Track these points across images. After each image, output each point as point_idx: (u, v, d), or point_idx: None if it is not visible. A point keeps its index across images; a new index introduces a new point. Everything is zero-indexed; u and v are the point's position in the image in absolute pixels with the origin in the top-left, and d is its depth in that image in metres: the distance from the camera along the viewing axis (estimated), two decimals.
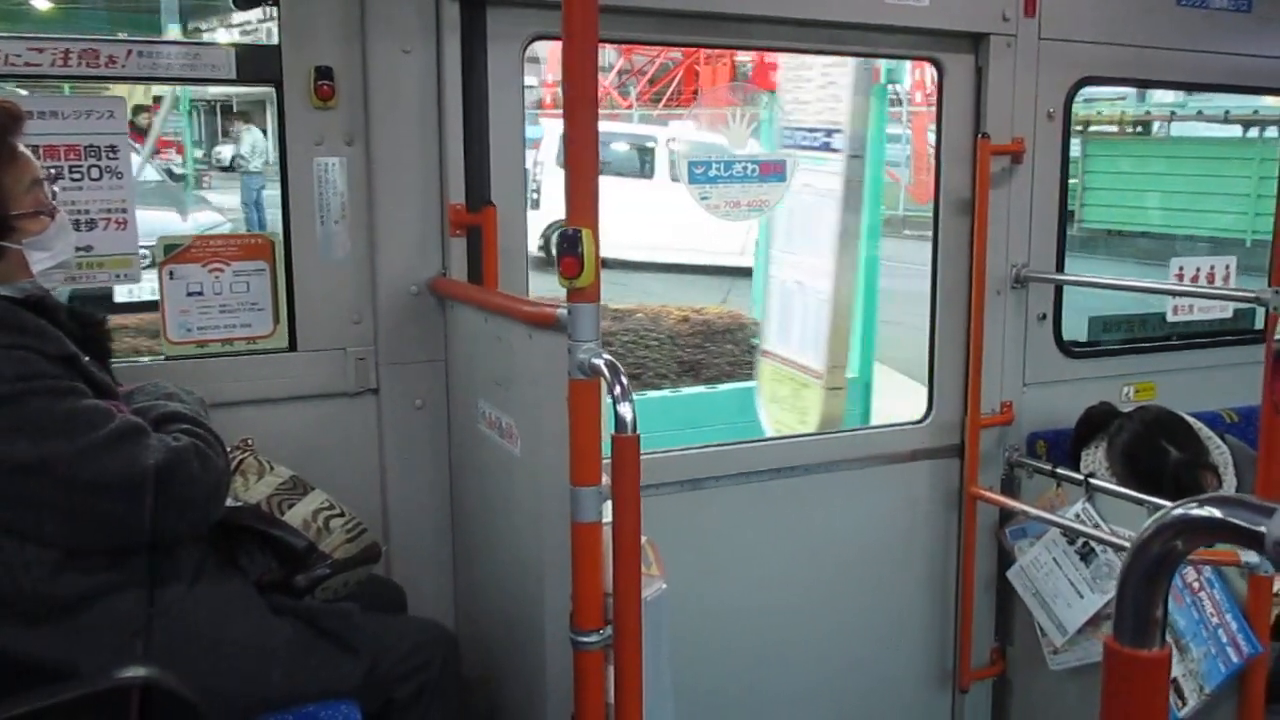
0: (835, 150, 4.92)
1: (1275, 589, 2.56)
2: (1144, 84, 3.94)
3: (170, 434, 1.93)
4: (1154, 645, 0.92)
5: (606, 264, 1.96)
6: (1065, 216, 3.31)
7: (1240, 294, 2.95)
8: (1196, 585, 2.61)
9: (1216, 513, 0.88)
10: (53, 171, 2.29)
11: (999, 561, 3.33)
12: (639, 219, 11.55)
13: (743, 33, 2.94)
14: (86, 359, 1.93)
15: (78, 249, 2.25)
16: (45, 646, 1.83)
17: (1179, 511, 0.91)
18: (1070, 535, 2.98)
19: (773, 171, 3.07)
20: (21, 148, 1.95)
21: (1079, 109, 3.24)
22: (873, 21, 2.96)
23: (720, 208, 3.01)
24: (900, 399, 4.44)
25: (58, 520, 1.83)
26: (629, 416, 1.78)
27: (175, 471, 1.86)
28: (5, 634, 1.82)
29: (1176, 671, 2.59)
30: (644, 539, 1.88)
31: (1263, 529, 0.80)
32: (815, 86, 5.03)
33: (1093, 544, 2.93)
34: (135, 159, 3.79)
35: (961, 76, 3.15)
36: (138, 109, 11.01)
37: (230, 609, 2.01)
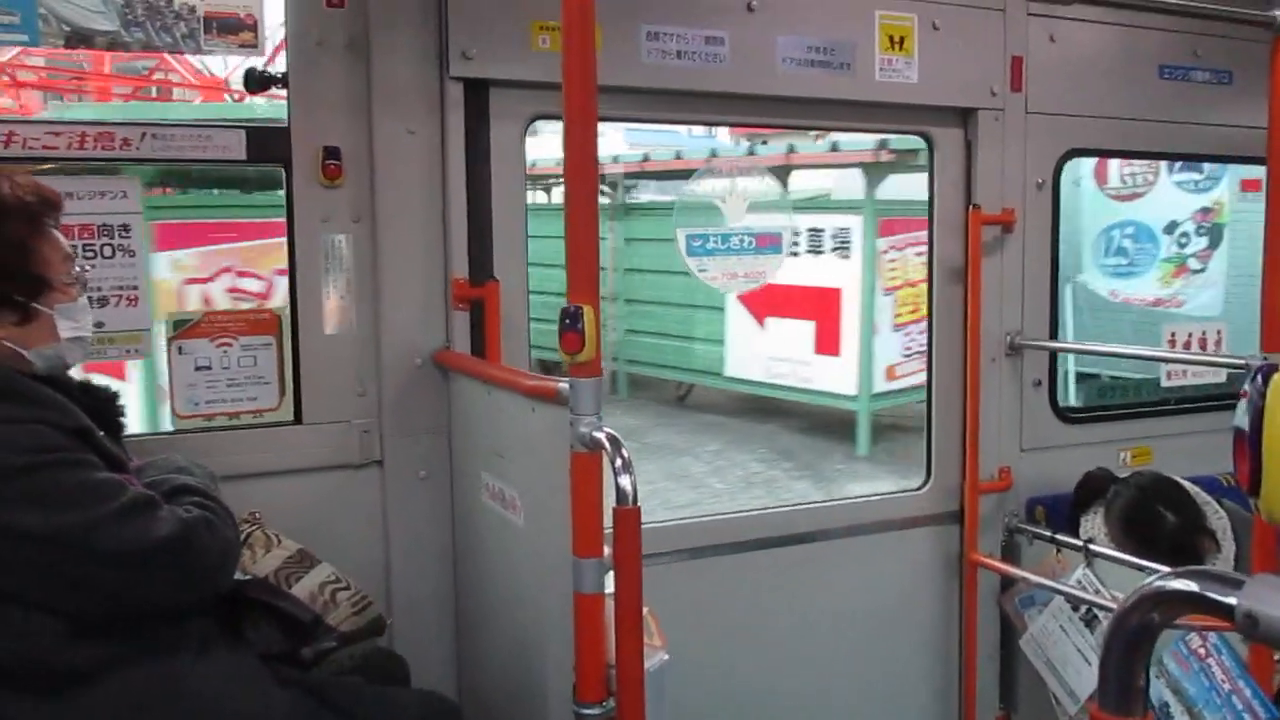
0: None
1: (1278, 656, 2.56)
2: (1130, 155, 4.05)
3: (181, 506, 1.96)
4: (1137, 714, 0.94)
5: None
6: (1057, 284, 3.37)
7: (1228, 360, 2.99)
8: (1203, 652, 2.61)
9: (1192, 585, 0.91)
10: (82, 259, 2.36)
11: (1001, 627, 3.32)
12: None
13: (739, 110, 3.03)
14: (101, 433, 1.97)
15: None
16: (57, 719, 1.84)
17: (1157, 584, 0.95)
18: (1073, 602, 2.99)
19: (769, 243, 3.13)
20: (54, 230, 2.03)
21: None
22: (864, 99, 3.05)
23: (719, 279, 3.08)
24: None
25: (68, 591, 1.85)
26: (630, 489, 1.82)
27: (186, 543, 1.89)
28: (17, 707, 1.83)
29: None
30: (645, 609, 1.90)
31: (1232, 601, 0.84)
32: None
33: (1095, 610, 2.93)
34: None
35: (952, 149, 3.23)
36: None
37: (237, 681, 2.01)
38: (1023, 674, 3.28)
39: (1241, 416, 0.83)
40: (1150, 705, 2.62)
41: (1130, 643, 0.93)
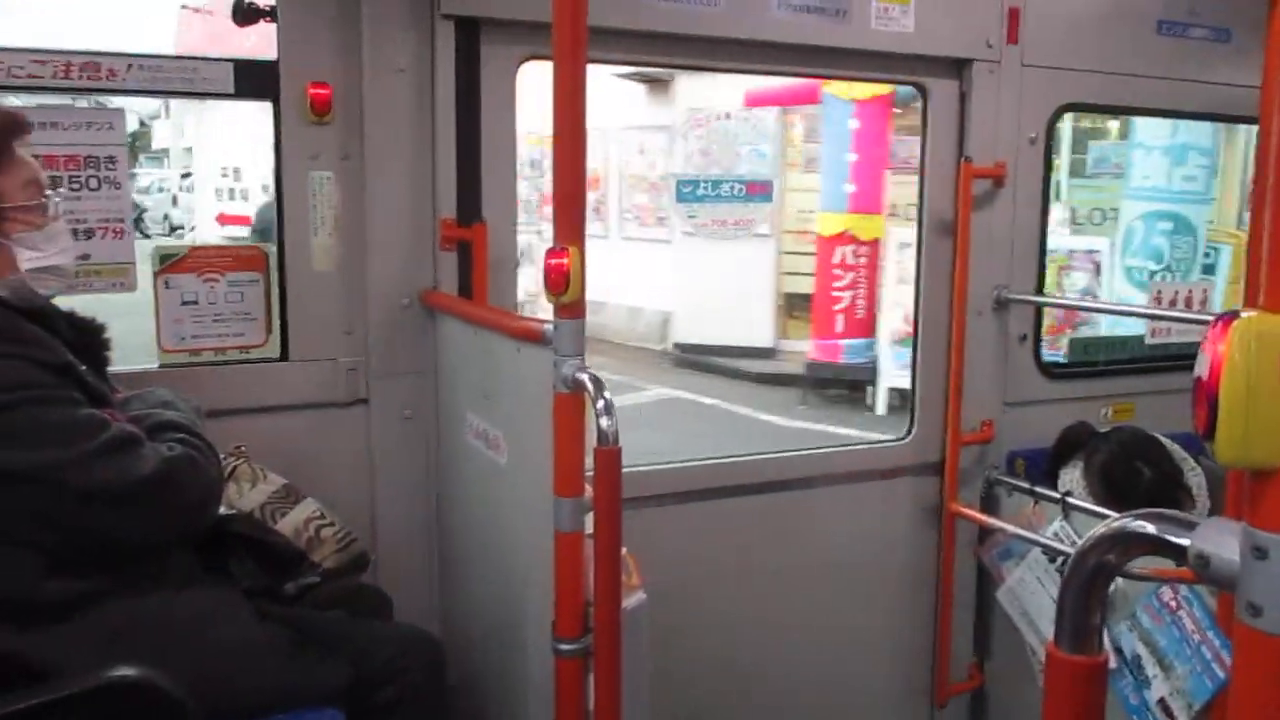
0: None
1: None
2: (1124, 111, 4.03)
3: (164, 443, 1.96)
4: (1092, 651, 0.97)
5: None
6: (1045, 239, 3.38)
7: (1203, 317, 3.01)
8: (1174, 604, 2.65)
9: (1148, 527, 0.93)
10: (54, 180, 2.32)
11: (978, 578, 3.37)
12: None
13: (730, 55, 3.00)
14: (83, 367, 1.96)
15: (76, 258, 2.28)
16: (34, 649, 1.85)
17: (1115, 525, 0.97)
18: (1050, 554, 3.03)
19: (759, 191, 3.12)
20: (22, 153, 1.98)
21: None
22: (859, 47, 3.03)
23: (708, 226, 3.07)
24: None
25: (47, 527, 1.85)
26: (611, 430, 1.83)
27: (168, 480, 1.89)
28: None
29: (1163, 691, 2.63)
30: (624, 551, 1.93)
31: (1185, 542, 0.86)
32: None
33: None
34: None
35: (946, 101, 3.21)
36: None
37: (218, 614, 2.03)
38: (997, 625, 3.33)
39: (1201, 364, 0.85)
40: (1120, 651, 2.67)
41: (1088, 581, 0.96)
